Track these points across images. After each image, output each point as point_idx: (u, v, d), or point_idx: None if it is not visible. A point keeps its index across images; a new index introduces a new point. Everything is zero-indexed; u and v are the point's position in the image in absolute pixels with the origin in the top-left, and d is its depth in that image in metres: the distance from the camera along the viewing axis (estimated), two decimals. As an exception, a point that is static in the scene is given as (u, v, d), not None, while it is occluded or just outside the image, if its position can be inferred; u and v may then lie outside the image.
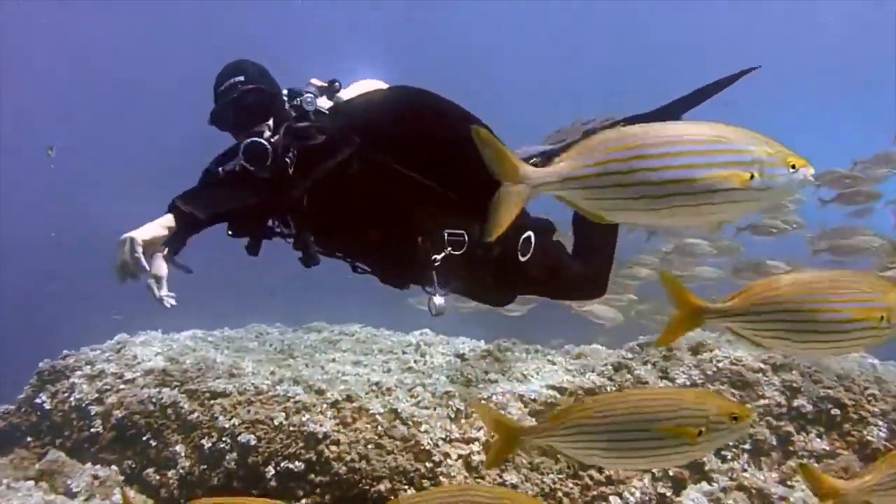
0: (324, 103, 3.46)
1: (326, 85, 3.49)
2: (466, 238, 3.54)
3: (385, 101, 3.52)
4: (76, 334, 6.43)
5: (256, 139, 3.21)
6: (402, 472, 4.63)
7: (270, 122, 3.30)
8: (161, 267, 3.32)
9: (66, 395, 5.44)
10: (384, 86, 3.69)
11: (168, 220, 3.02)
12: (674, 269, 7.55)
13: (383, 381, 5.50)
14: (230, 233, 3.44)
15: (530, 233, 3.72)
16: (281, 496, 4.65)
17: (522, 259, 3.72)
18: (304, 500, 4.60)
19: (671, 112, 3.91)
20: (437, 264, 3.50)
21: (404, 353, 6.70)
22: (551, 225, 4.00)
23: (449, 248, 3.50)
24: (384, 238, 3.47)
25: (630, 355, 5.80)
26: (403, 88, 3.55)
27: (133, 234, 2.92)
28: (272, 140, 3.24)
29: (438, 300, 3.55)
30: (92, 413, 5.24)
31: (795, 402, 4.92)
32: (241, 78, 3.30)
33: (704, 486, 4.59)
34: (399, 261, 3.56)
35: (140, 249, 2.90)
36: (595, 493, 4.64)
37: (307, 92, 3.41)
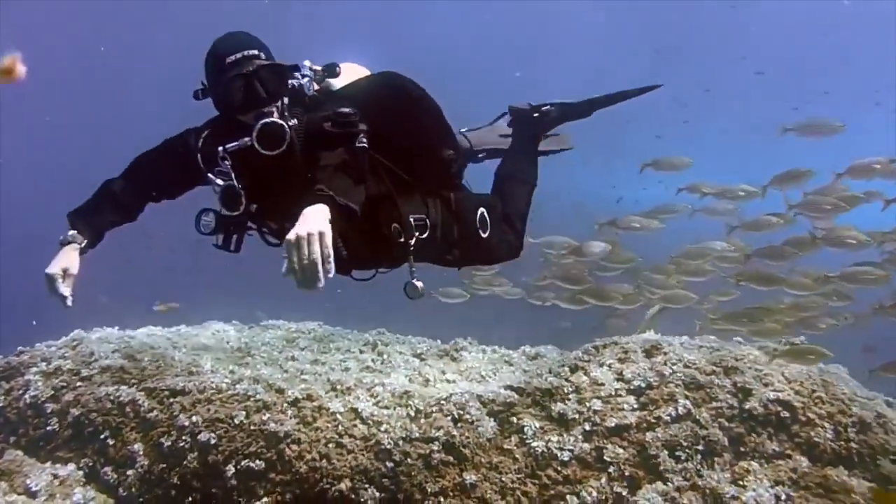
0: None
1: (321, 69, 3.42)
2: (427, 221, 3.60)
3: (371, 90, 3.51)
4: (30, 330, 6.33)
5: (274, 120, 3.14)
6: (363, 471, 4.67)
7: (279, 103, 3.22)
8: (74, 261, 3.24)
9: (20, 392, 5.35)
10: (366, 71, 3.72)
11: (326, 212, 2.72)
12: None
13: (343, 380, 5.52)
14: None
15: (482, 209, 3.84)
16: (241, 494, 4.66)
17: (484, 235, 3.85)
18: (264, 499, 4.61)
19: (592, 106, 4.53)
20: (412, 249, 3.55)
21: (362, 351, 6.73)
22: (496, 200, 4.15)
23: (416, 233, 3.56)
24: (368, 227, 3.45)
25: (586, 357, 5.88)
26: (385, 77, 3.57)
27: (322, 228, 2.62)
28: (290, 123, 3.18)
29: (418, 283, 3.59)
30: (48, 411, 5.16)
31: (747, 405, 5.04)
32: (255, 52, 3.19)
33: (659, 485, 4.69)
34: (378, 249, 3.58)
35: (331, 247, 2.64)
36: (553, 492, 4.72)
37: (304, 75, 3.36)
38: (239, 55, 3.16)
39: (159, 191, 3.59)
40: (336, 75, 3.49)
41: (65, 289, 3.17)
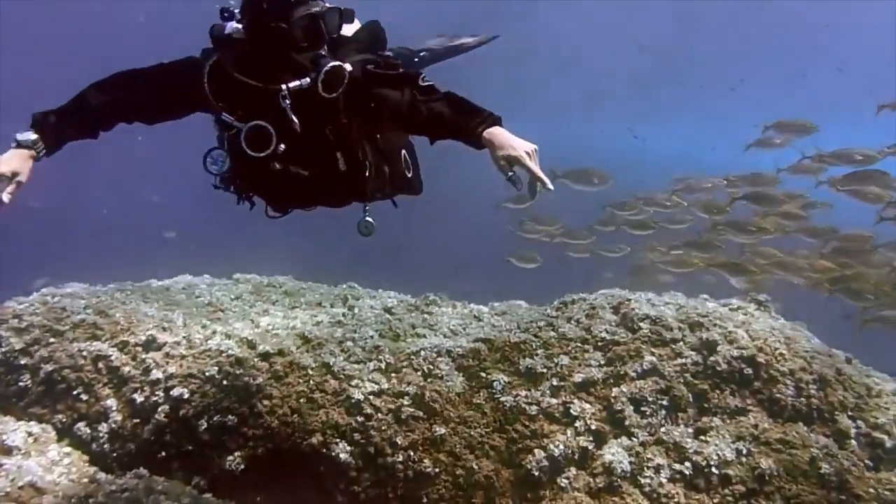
0: None
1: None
2: (368, 161, 3.70)
3: (373, 36, 3.74)
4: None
5: (340, 63, 3.23)
6: (334, 426, 4.74)
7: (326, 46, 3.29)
8: (26, 170, 3.13)
9: (-9, 348, 5.33)
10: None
11: None
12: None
13: (314, 335, 5.57)
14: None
15: (404, 151, 4.03)
16: (214, 449, 4.72)
17: (409, 175, 4.04)
18: (236, 453, 4.68)
19: (450, 52, 5.23)
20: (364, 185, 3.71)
21: (332, 306, 6.76)
22: (410, 144, 4.29)
23: (367, 171, 3.67)
24: (330, 164, 3.57)
25: (554, 313, 5.95)
26: (377, 25, 3.80)
27: (533, 144, 3.00)
28: (347, 67, 3.26)
29: (369, 219, 3.85)
30: (21, 366, 5.13)
31: (710, 360, 5.14)
32: None
33: (625, 440, 4.79)
34: (332, 186, 3.69)
35: None
36: (521, 445, 4.80)
37: None
38: None
39: (141, 113, 3.51)
40: (353, 21, 3.54)
41: (6, 195, 3.06)
